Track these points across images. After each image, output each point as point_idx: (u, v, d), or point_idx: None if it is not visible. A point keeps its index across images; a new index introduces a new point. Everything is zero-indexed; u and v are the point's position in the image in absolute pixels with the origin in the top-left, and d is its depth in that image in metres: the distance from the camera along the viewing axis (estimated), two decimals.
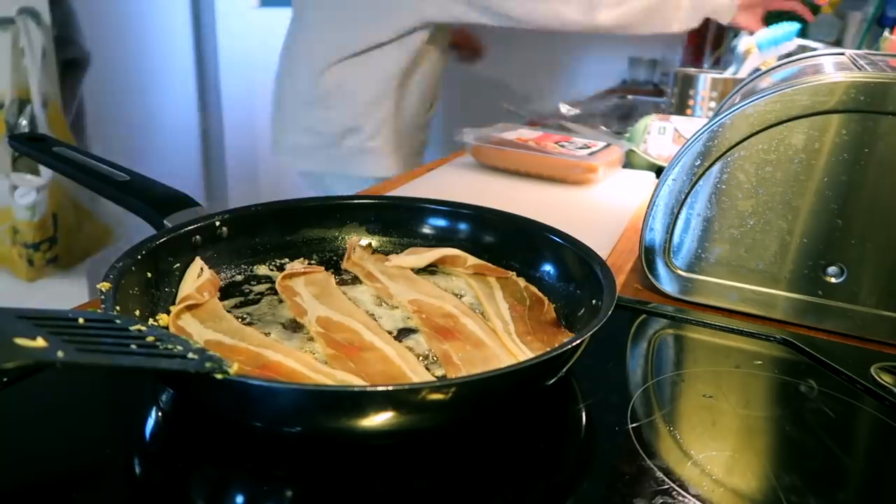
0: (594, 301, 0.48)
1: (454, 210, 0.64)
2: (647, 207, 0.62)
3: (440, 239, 0.64)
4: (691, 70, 1.33)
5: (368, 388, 0.35)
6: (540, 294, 0.55)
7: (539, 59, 2.42)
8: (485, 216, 0.63)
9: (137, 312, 0.46)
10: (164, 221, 0.55)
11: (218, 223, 0.57)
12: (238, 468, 0.39)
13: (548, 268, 0.57)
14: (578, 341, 0.40)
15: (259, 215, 0.61)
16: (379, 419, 0.35)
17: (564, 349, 0.39)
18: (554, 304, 0.54)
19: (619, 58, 2.25)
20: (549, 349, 0.42)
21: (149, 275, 0.49)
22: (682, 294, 0.62)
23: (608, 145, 1.04)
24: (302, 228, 0.63)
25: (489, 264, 0.60)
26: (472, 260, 0.60)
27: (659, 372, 0.50)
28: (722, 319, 0.58)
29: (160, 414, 0.43)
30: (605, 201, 0.92)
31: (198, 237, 0.55)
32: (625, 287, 0.66)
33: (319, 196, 0.65)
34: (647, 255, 0.63)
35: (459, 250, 0.61)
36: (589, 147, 1.02)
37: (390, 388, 0.35)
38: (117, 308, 0.42)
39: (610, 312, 0.43)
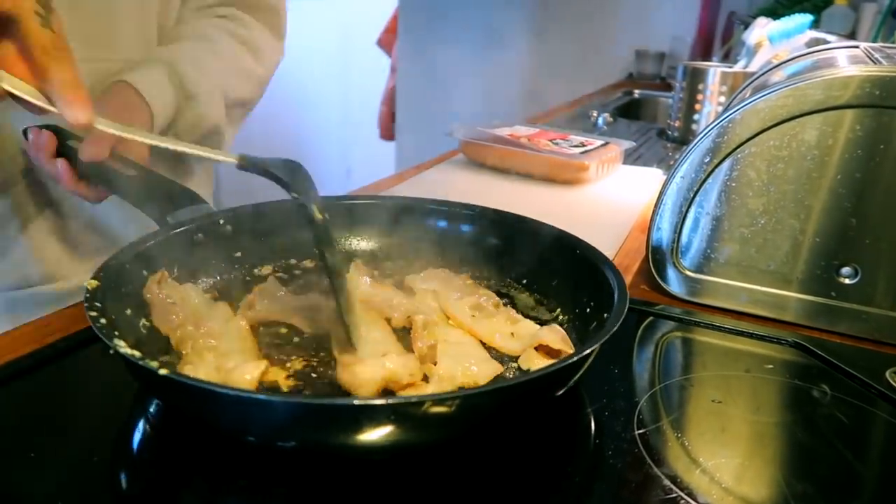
0: (604, 315, 0.45)
1: (458, 211, 0.62)
2: (655, 206, 0.61)
3: (443, 241, 0.61)
4: (700, 63, 1.31)
5: (360, 402, 0.34)
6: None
7: (542, 55, 2.39)
8: (489, 217, 0.61)
9: (129, 311, 0.46)
10: (167, 218, 0.54)
11: (221, 221, 0.56)
12: (229, 483, 0.37)
13: (558, 278, 0.55)
14: (560, 367, 0.37)
15: (262, 214, 0.60)
16: (372, 435, 0.34)
17: (553, 369, 0.37)
18: (561, 310, 0.53)
19: (624, 50, 2.22)
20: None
21: (144, 273, 0.49)
22: (690, 295, 0.61)
23: (605, 144, 1.01)
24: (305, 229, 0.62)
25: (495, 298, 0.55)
26: (494, 299, 0.55)
27: (666, 376, 0.49)
28: (731, 322, 0.57)
29: (148, 425, 0.42)
30: (609, 200, 0.91)
31: (200, 235, 0.55)
32: (632, 288, 0.64)
33: (326, 196, 0.64)
34: (655, 256, 0.62)
35: (491, 293, 0.55)
36: (585, 145, 1.00)
37: (383, 401, 0.33)
38: (98, 304, 0.40)
39: (613, 332, 0.40)
